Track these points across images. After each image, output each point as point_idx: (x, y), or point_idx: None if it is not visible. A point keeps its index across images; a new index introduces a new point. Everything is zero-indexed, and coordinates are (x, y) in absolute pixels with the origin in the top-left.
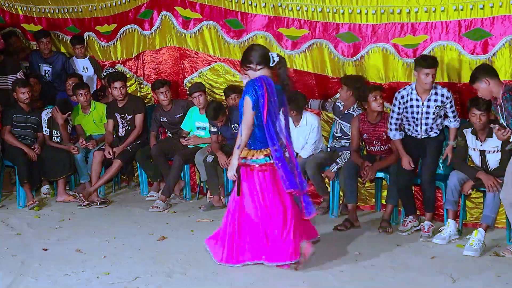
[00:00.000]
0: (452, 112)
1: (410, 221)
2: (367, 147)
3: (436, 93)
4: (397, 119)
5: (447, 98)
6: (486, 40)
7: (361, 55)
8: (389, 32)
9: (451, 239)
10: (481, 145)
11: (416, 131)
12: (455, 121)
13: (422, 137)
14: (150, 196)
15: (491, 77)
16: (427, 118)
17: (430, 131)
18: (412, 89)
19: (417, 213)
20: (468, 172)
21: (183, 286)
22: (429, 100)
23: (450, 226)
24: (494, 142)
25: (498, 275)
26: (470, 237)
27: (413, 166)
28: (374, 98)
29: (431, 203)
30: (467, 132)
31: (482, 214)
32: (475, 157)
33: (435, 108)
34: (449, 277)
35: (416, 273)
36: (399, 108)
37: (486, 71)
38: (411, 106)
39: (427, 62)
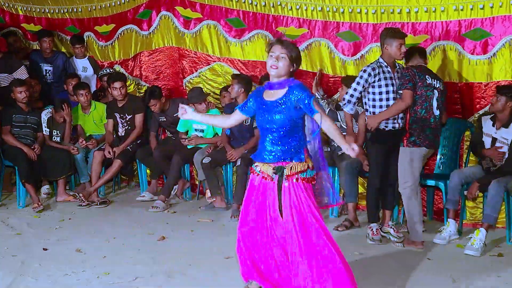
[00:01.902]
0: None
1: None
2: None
3: (398, 65)
4: (360, 92)
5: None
6: (486, 40)
7: (362, 54)
8: None
9: (451, 239)
10: (495, 132)
11: (394, 120)
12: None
13: (400, 126)
14: (141, 196)
15: None
16: (395, 86)
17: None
18: (380, 62)
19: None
20: (477, 151)
21: (183, 286)
22: (397, 72)
23: (450, 226)
24: (506, 134)
25: (498, 275)
26: (471, 237)
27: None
28: None
29: (392, 203)
30: (485, 119)
31: (484, 213)
32: (487, 143)
33: (398, 73)
34: (449, 277)
35: (416, 273)
36: (366, 81)
37: None
38: (385, 78)
39: (400, 33)
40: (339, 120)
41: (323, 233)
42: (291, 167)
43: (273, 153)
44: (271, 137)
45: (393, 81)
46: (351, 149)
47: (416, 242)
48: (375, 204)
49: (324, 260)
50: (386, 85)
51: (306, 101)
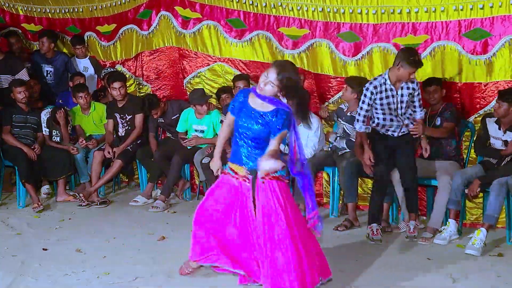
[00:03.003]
0: (419, 101)
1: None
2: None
3: (407, 84)
4: (366, 110)
5: (413, 89)
6: (486, 40)
7: (362, 55)
8: (390, 32)
9: (451, 239)
10: (503, 135)
11: (391, 127)
12: (421, 111)
13: (399, 134)
14: (134, 201)
15: None
16: (401, 108)
17: (404, 127)
18: (385, 79)
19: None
20: (490, 152)
21: (183, 286)
22: (402, 88)
23: (450, 226)
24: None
25: (498, 275)
26: (472, 236)
27: (373, 161)
28: None
29: (415, 205)
30: (490, 121)
31: (485, 213)
32: (498, 146)
33: (408, 96)
34: (449, 277)
35: (416, 273)
36: (370, 99)
37: None
38: (387, 97)
39: (417, 62)
40: (347, 131)
41: (289, 234)
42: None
43: (249, 157)
44: (248, 143)
45: (395, 98)
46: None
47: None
48: (378, 204)
49: (280, 261)
50: (388, 104)
51: (279, 129)
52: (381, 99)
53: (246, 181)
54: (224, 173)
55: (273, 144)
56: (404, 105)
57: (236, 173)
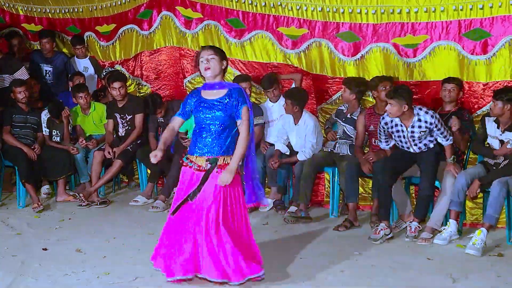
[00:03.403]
0: (441, 134)
1: (382, 229)
2: (372, 141)
3: (419, 120)
4: (386, 136)
5: (431, 124)
6: (486, 40)
7: (362, 55)
8: (390, 31)
9: (451, 239)
10: (500, 135)
11: (408, 148)
12: (446, 140)
13: (416, 152)
14: (134, 201)
15: None
16: (413, 140)
17: (424, 148)
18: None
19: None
20: (485, 152)
21: (183, 286)
22: (412, 126)
23: (451, 226)
24: (511, 135)
25: (498, 275)
26: (472, 236)
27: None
28: (383, 88)
29: (425, 211)
30: (489, 120)
31: (486, 214)
32: (495, 145)
33: (420, 133)
34: (449, 277)
35: (416, 273)
36: (384, 130)
37: None
38: (397, 131)
39: (388, 95)
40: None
41: (245, 221)
42: (224, 159)
43: (210, 147)
44: (209, 133)
45: (405, 133)
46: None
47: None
48: (387, 201)
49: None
50: (399, 137)
51: (239, 106)
52: (391, 133)
53: (201, 171)
54: (184, 165)
55: (242, 131)
56: (416, 141)
57: (194, 163)
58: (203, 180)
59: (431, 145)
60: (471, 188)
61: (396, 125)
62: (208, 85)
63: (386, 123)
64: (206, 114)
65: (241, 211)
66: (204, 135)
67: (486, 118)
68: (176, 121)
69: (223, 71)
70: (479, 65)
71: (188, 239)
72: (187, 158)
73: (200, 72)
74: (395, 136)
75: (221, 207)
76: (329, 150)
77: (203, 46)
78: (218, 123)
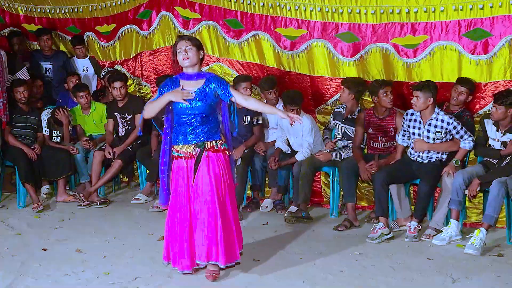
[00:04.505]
0: (461, 136)
1: (380, 228)
2: (371, 143)
3: (437, 119)
4: (404, 130)
5: (448, 124)
6: (486, 40)
7: (361, 55)
8: (389, 32)
9: (452, 239)
10: (501, 137)
11: (415, 151)
12: (464, 140)
13: (423, 161)
14: (135, 199)
15: None
16: (427, 138)
17: (433, 154)
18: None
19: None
20: (490, 153)
21: (183, 286)
22: (429, 124)
23: (451, 227)
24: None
25: (498, 275)
26: (471, 236)
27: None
28: (384, 94)
29: (423, 211)
30: (488, 123)
31: (484, 213)
32: (497, 147)
33: (435, 133)
34: (449, 277)
35: (416, 273)
36: (405, 122)
37: None
38: (414, 127)
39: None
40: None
41: (216, 206)
42: (210, 143)
43: (195, 135)
44: (192, 122)
45: (421, 130)
46: (289, 117)
47: None
48: (383, 196)
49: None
50: (413, 134)
51: (223, 88)
52: (408, 126)
53: (193, 156)
54: (175, 158)
55: (246, 99)
56: (430, 140)
57: (184, 152)
58: (196, 166)
59: (434, 159)
60: (470, 187)
61: (415, 120)
62: (186, 75)
63: (407, 114)
64: (186, 105)
65: (232, 193)
66: (186, 125)
67: (485, 121)
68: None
69: (201, 61)
70: (480, 65)
71: (193, 230)
72: (175, 150)
73: (177, 62)
74: (410, 132)
75: (218, 197)
76: (328, 151)
77: (180, 36)
78: (197, 112)
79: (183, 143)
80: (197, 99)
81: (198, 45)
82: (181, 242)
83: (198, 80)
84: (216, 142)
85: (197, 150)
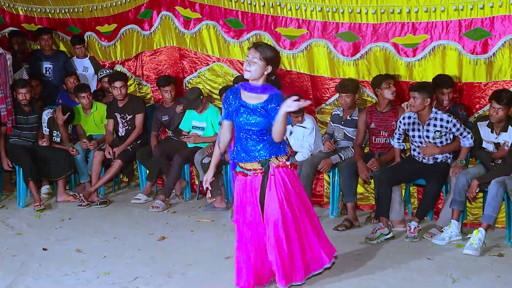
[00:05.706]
0: (460, 133)
1: (379, 228)
2: (373, 139)
3: (435, 118)
4: (400, 134)
5: (447, 122)
6: (486, 40)
7: (361, 55)
8: (389, 31)
9: (452, 239)
10: (496, 138)
11: (419, 153)
12: (465, 139)
13: (429, 162)
14: (135, 198)
15: None
16: (427, 138)
17: (439, 155)
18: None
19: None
20: (484, 156)
21: (183, 286)
22: (428, 124)
23: (452, 227)
24: (507, 137)
25: (498, 275)
26: (470, 236)
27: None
28: (387, 86)
29: (426, 212)
30: (482, 125)
31: (483, 213)
32: (490, 150)
33: (434, 133)
34: (449, 277)
35: (416, 273)
36: (400, 128)
37: None
38: (413, 130)
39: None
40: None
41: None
42: (277, 158)
43: (256, 152)
44: (253, 137)
45: (421, 133)
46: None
47: None
48: (385, 197)
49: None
50: (413, 136)
51: (275, 111)
52: (407, 130)
53: (258, 174)
54: (237, 173)
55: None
56: (430, 140)
57: (249, 169)
58: (264, 182)
59: (439, 160)
60: (470, 189)
61: (414, 123)
62: (249, 87)
63: (404, 117)
64: (245, 118)
65: (305, 204)
66: (248, 140)
67: (479, 124)
68: (226, 126)
69: (267, 76)
70: (479, 65)
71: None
72: (240, 167)
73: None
74: (410, 135)
75: (289, 216)
76: (339, 161)
77: (255, 43)
78: (257, 129)
79: (248, 161)
80: (258, 114)
81: (268, 59)
82: (248, 261)
83: (261, 94)
84: (281, 157)
85: (262, 168)
